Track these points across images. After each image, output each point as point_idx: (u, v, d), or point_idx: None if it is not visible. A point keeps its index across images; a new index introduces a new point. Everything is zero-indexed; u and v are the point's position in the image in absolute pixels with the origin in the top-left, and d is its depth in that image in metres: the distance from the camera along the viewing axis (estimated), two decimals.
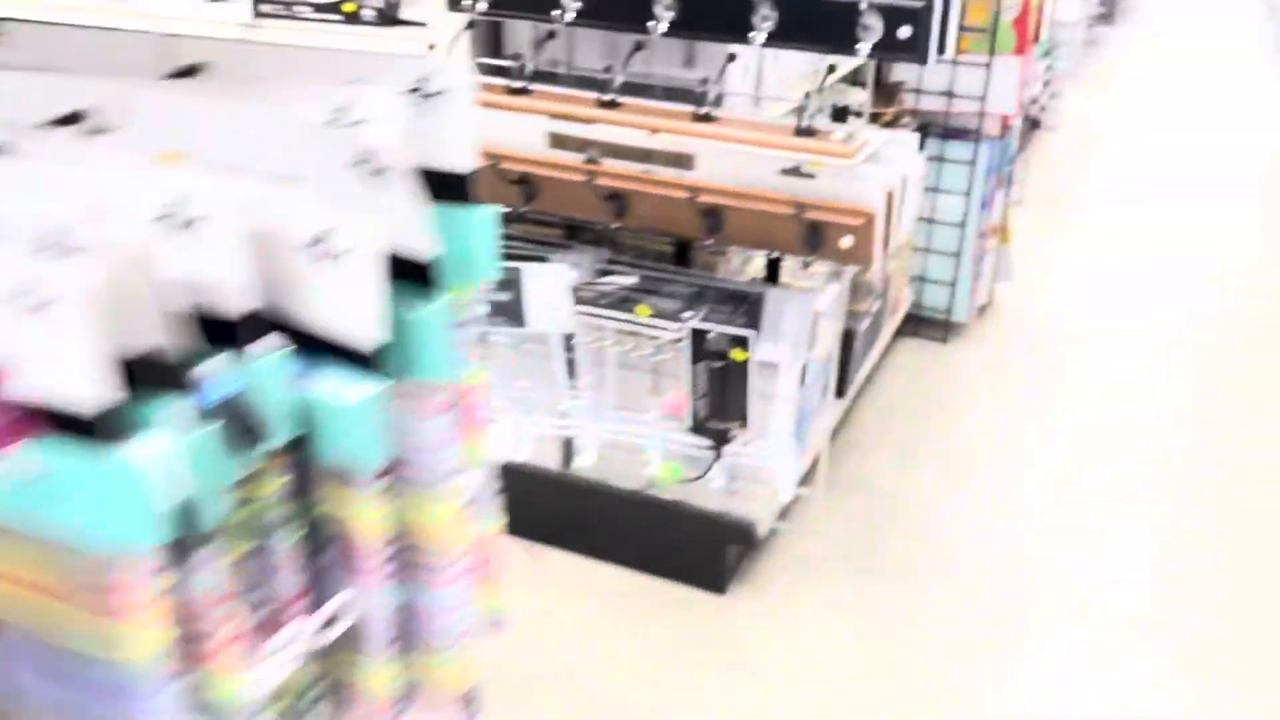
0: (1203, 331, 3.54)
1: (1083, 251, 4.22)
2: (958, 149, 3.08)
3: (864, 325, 2.61)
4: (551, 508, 2.31)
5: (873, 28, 1.61)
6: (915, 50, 1.60)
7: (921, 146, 3.13)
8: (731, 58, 1.74)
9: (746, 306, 1.86)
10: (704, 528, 2.17)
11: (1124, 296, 3.82)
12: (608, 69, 1.74)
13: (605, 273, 1.91)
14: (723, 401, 1.81)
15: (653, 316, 1.79)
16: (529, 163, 1.78)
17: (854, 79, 2.82)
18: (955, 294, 3.27)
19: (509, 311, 1.88)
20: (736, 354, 1.75)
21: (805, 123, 1.63)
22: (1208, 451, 2.80)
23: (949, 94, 3.04)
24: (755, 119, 1.72)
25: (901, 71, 3.08)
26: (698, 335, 1.77)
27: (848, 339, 2.57)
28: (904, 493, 2.56)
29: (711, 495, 2.08)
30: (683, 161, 1.69)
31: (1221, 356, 3.38)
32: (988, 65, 2.97)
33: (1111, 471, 2.70)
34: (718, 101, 1.78)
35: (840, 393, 2.66)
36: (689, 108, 1.70)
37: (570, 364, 1.98)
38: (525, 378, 2.05)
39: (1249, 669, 2.06)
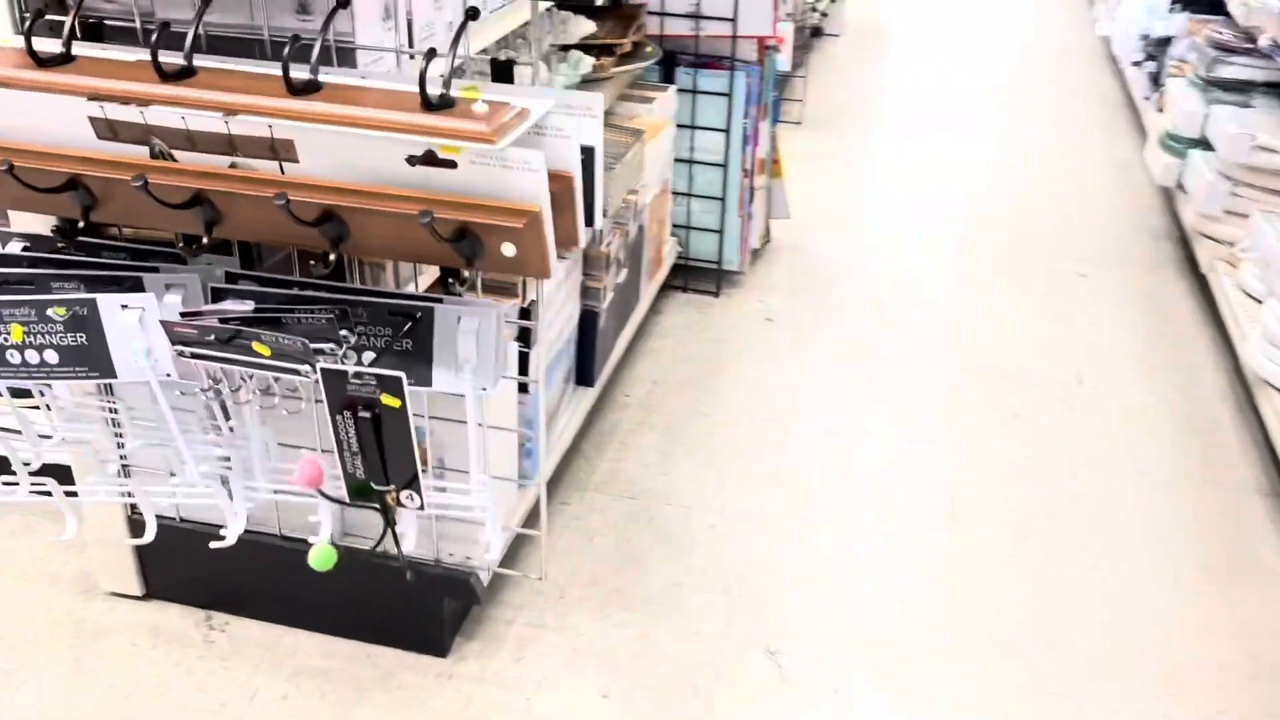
0: (973, 253, 3.33)
1: (863, 175, 3.95)
2: (711, 80, 2.70)
3: (606, 302, 2.22)
4: (228, 569, 1.86)
5: None
6: None
7: (670, 79, 2.74)
8: (344, 3, 1.28)
9: (411, 327, 1.43)
10: (414, 581, 1.76)
11: (899, 220, 3.57)
12: (166, 25, 1.25)
13: (222, 294, 1.44)
14: (381, 459, 1.39)
15: (274, 357, 1.34)
16: (76, 161, 1.28)
17: (587, 6, 2.38)
18: (724, 240, 2.93)
19: (89, 358, 1.40)
20: (388, 400, 1.33)
21: (438, 89, 1.19)
22: (987, 393, 2.57)
23: (696, 16, 2.64)
24: (380, 85, 1.26)
25: None
26: (334, 378, 1.33)
27: (588, 322, 2.18)
28: (665, 492, 2.21)
29: (423, 541, 1.68)
30: (280, 150, 1.23)
31: (991, 279, 3.17)
32: None
33: (897, 428, 2.44)
34: (340, 60, 1.32)
35: (587, 382, 2.28)
36: (291, 74, 1.23)
37: (213, 412, 1.51)
38: (148, 433, 1.57)
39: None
